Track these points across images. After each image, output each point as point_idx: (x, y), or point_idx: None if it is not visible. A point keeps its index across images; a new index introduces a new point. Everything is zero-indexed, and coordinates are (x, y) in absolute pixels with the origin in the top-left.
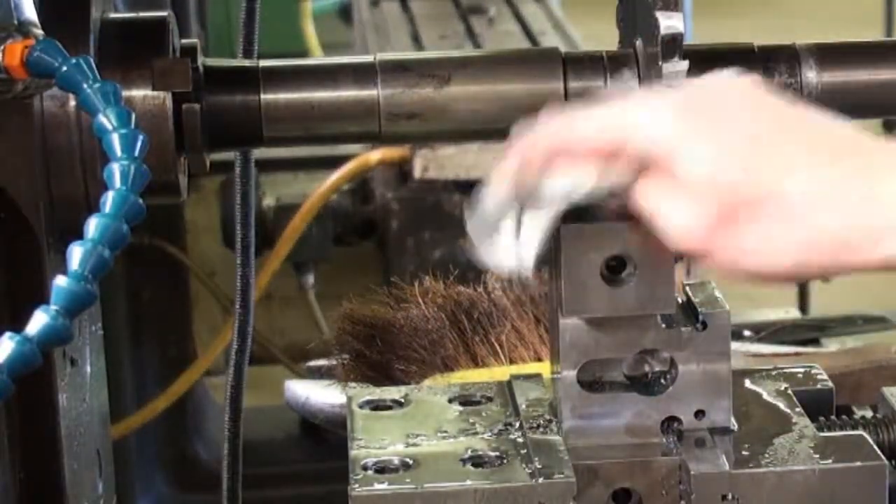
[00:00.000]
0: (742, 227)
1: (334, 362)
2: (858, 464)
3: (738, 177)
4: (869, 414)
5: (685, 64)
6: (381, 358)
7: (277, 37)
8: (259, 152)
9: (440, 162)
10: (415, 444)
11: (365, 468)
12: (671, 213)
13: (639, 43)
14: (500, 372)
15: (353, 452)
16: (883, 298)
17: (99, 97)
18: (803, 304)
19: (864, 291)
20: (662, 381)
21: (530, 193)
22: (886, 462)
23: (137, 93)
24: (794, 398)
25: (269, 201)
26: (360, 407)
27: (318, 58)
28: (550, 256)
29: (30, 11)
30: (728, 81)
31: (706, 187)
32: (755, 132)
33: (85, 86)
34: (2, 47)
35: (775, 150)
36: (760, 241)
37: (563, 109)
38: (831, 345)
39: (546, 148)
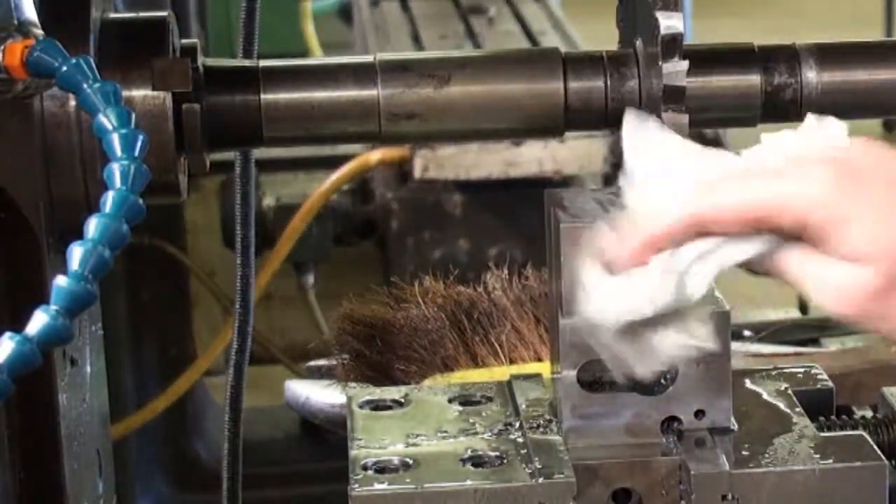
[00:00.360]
0: None
1: (334, 362)
2: (858, 464)
3: None
4: (869, 414)
5: (685, 64)
6: (381, 358)
7: (277, 37)
8: (259, 152)
9: (440, 162)
10: (415, 444)
11: (365, 468)
12: (829, 279)
13: (639, 43)
14: (500, 372)
15: (353, 452)
16: None
17: (99, 97)
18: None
19: None
20: (662, 381)
21: (678, 265)
22: (886, 462)
23: (137, 93)
24: (794, 398)
25: (269, 201)
26: (360, 407)
27: (318, 58)
28: (552, 256)
29: (30, 11)
30: (863, 146)
31: (868, 254)
32: None
33: (85, 86)
34: (2, 47)
35: None
36: None
37: (710, 186)
38: (831, 345)
39: (695, 221)
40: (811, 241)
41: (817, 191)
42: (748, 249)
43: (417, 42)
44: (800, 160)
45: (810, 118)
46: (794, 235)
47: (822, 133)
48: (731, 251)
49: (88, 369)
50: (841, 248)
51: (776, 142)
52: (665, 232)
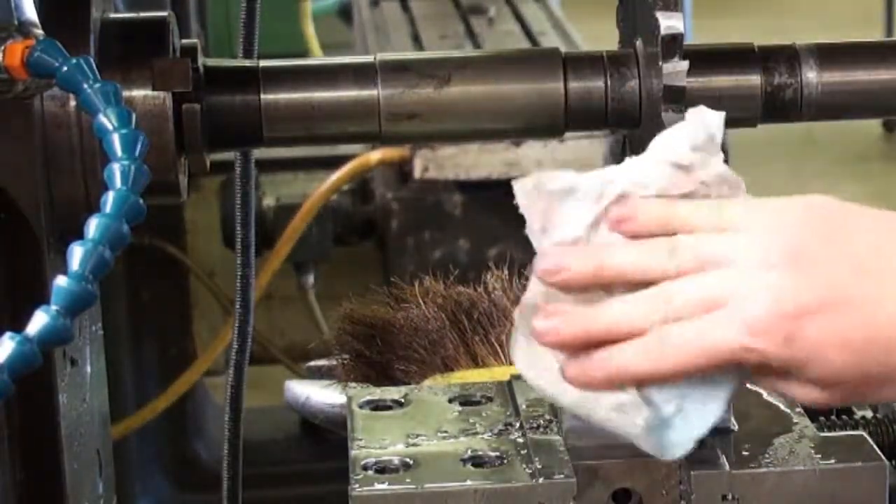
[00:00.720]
0: (873, 393)
1: (334, 362)
2: (858, 464)
3: (861, 363)
4: (869, 414)
5: (685, 64)
6: (381, 358)
7: (277, 37)
8: (259, 152)
9: (440, 162)
10: (415, 444)
11: (365, 468)
12: (802, 395)
13: (639, 43)
14: (500, 372)
15: (353, 452)
16: None
17: (99, 97)
18: None
19: None
20: None
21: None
22: (886, 462)
23: (137, 93)
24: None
25: (269, 201)
26: (361, 407)
27: (318, 58)
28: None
29: (30, 11)
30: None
31: (833, 382)
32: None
33: (85, 86)
34: (2, 47)
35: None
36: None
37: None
38: None
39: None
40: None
41: (763, 346)
42: (723, 395)
43: (417, 42)
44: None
45: (691, 112)
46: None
47: (702, 127)
48: (712, 406)
49: (88, 369)
50: (803, 383)
51: (660, 145)
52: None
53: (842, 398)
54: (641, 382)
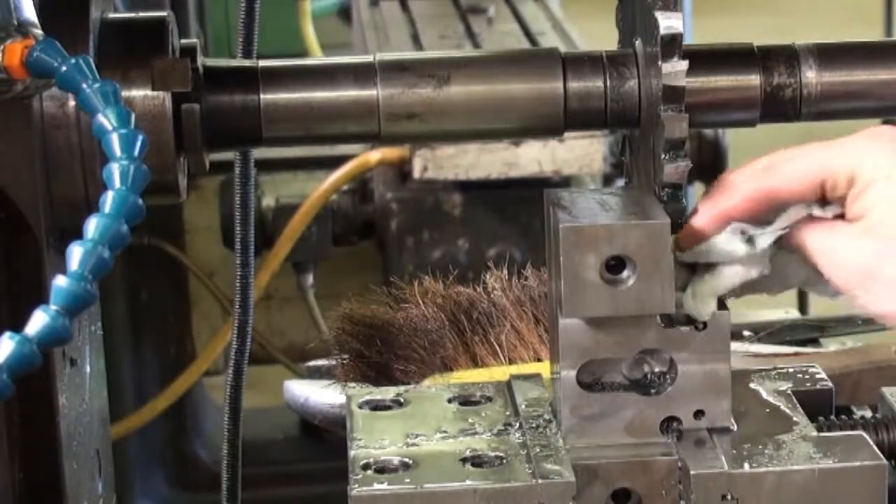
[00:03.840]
0: None
1: (334, 362)
2: (858, 464)
3: None
4: (869, 414)
5: (685, 64)
6: (380, 358)
7: (277, 37)
8: (259, 152)
9: (439, 162)
10: (414, 444)
11: (365, 468)
12: (844, 245)
13: (638, 43)
14: (499, 372)
15: (352, 452)
16: None
17: (98, 97)
18: (803, 305)
19: None
20: (662, 381)
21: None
22: (886, 462)
23: (137, 93)
24: (794, 398)
25: (268, 201)
26: (360, 407)
27: (317, 58)
28: (552, 256)
29: (29, 11)
30: None
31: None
32: None
33: (84, 86)
34: (1, 47)
35: None
36: None
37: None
38: (831, 345)
39: (766, 193)
40: (841, 199)
41: (861, 148)
42: (790, 216)
43: (417, 42)
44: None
45: None
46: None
47: None
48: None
49: (88, 369)
50: (859, 207)
51: None
52: (736, 205)
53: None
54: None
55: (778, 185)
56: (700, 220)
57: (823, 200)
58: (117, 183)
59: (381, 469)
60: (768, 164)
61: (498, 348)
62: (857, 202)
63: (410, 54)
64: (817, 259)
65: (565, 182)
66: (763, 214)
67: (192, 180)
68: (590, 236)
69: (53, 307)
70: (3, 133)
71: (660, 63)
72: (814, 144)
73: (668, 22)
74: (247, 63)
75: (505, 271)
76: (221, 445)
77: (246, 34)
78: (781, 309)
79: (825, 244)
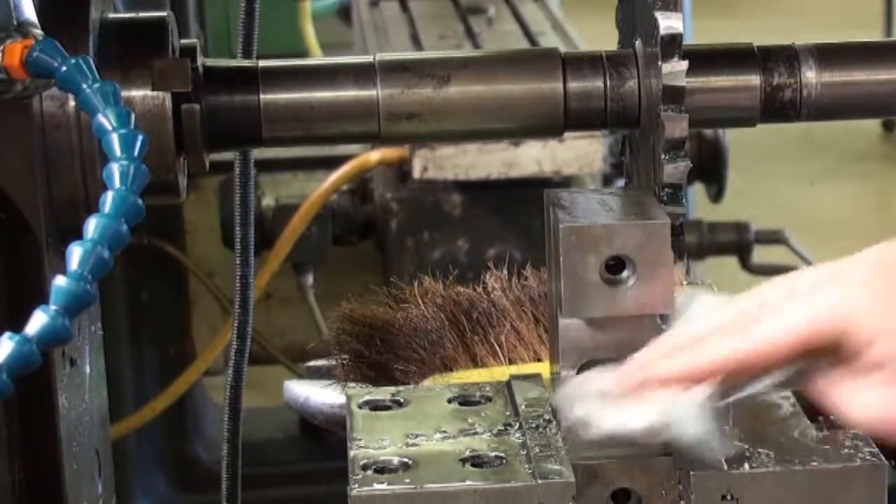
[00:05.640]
0: None
1: (333, 363)
2: (858, 464)
3: None
4: None
5: (684, 64)
6: (380, 358)
7: (277, 37)
8: (258, 152)
9: (439, 162)
10: (414, 445)
11: (364, 468)
12: (860, 399)
13: (638, 43)
14: (499, 372)
15: (352, 452)
16: None
17: (98, 97)
18: None
19: None
20: None
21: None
22: (886, 462)
23: (137, 93)
24: (794, 398)
25: (268, 201)
26: (360, 407)
27: (317, 58)
28: (552, 256)
29: (29, 12)
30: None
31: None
32: None
33: (84, 86)
34: (1, 47)
35: None
36: None
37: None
38: None
39: (745, 359)
40: (846, 354)
41: (855, 298)
42: (776, 377)
43: (417, 42)
44: (834, 269)
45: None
46: (825, 352)
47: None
48: (761, 383)
49: (88, 369)
50: (874, 364)
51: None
52: (708, 369)
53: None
54: (727, 371)
55: (756, 353)
56: (654, 370)
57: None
58: (117, 183)
59: (381, 469)
60: (738, 319)
61: (498, 348)
62: (867, 355)
63: (410, 54)
64: (846, 414)
65: (565, 182)
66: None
67: (192, 180)
68: (590, 236)
69: (53, 307)
70: (3, 133)
71: (660, 63)
72: (790, 287)
73: (668, 22)
74: (247, 63)
75: (505, 271)
76: (221, 445)
77: (246, 34)
78: None
79: (854, 400)
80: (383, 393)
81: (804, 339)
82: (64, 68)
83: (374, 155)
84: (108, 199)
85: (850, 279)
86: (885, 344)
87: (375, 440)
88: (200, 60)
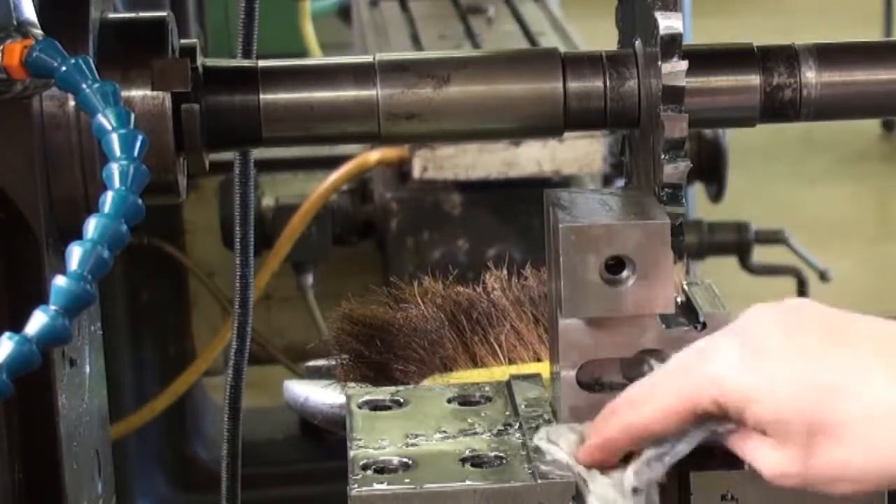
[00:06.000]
0: (823, 451)
1: (333, 362)
2: None
3: (810, 404)
4: None
5: (684, 64)
6: (380, 358)
7: (277, 37)
8: (258, 152)
9: (439, 162)
10: (414, 445)
11: (364, 468)
12: (759, 459)
13: (638, 43)
14: (499, 372)
15: (352, 452)
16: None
17: (98, 97)
18: None
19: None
20: None
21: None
22: None
23: (137, 93)
24: None
25: (268, 201)
26: (360, 407)
27: (317, 58)
28: (552, 256)
29: (29, 12)
30: (756, 312)
31: (779, 428)
32: (811, 355)
33: (84, 86)
34: (1, 47)
35: (833, 372)
36: (840, 468)
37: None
38: None
39: (629, 435)
40: (736, 419)
41: (721, 370)
42: (692, 440)
43: (416, 42)
44: (711, 340)
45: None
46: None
47: None
48: (678, 448)
49: (88, 369)
50: (756, 427)
51: None
52: (606, 440)
53: (800, 464)
54: (636, 434)
55: (647, 423)
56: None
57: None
58: (117, 183)
59: (381, 469)
60: (629, 400)
61: (497, 348)
62: (748, 420)
63: (410, 54)
64: (759, 470)
65: (565, 182)
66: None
67: (191, 180)
68: (590, 236)
69: (53, 307)
70: (3, 133)
71: (660, 63)
72: (668, 369)
73: (667, 22)
74: (247, 63)
75: (504, 271)
76: (221, 445)
77: (246, 34)
78: None
79: (759, 458)
80: (383, 393)
81: (686, 409)
82: (64, 68)
83: (374, 155)
84: (108, 199)
85: (720, 349)
86: (757, 409)
87: (375, 440)
88: (200, 60)
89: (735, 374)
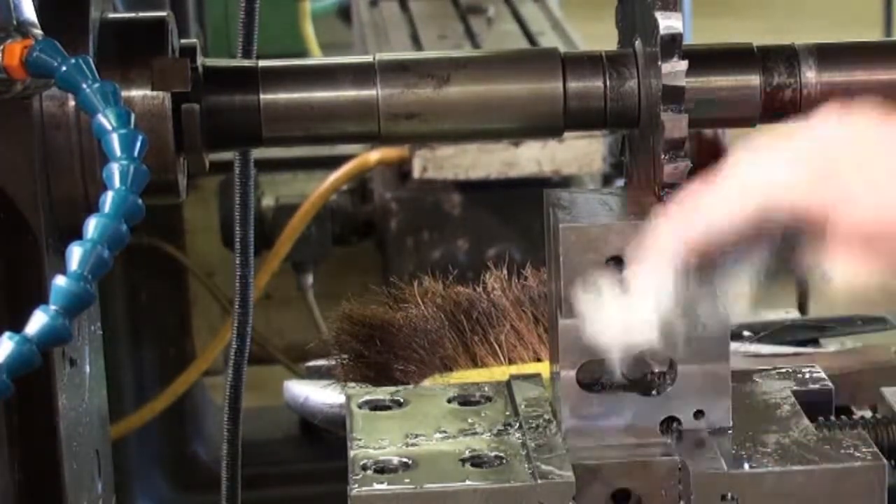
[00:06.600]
0: None
1: (333, 362)
2: (858, 464)
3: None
4: (869, 414)
5: (684, 64)
6: (380, 358)
7: (277, 37)
8: (258, 152)
9: (439, 162)
10: (414, 444)
11: (364, 468)
12: (841, 273)
13: (638, 43)
14: (499, 372)
15: (352, 452)
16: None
17: (98, 97)
18: (803, 305)
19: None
20: (662, 381)
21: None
22: (886, 462)
23: (137, 93)
24: (794, 398)
25: (268, 201)
26: (360, 407)
27: (317, 58)
28: (552, 256)
29: (29, 11)
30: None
31: (860, 243)
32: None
33: (84, 86)
34: (1, 47)
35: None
36: None
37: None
38: (831, 345)
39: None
40: (811, 228)
41: (797, 180)
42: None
43: (416, 42)
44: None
45: None
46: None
47: None
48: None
49: (88, 369)
50: (836, 237)
51: None
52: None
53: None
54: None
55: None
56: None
57: None
58: (117, 183)
59: (381, 469)
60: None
61: (498, 348)
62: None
63: (410, 54)
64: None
65: (565, 182)
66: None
67: (192, 180)
68: (590, 236)
69: (53, 307)
70: (3, 133)
71: (659, 63)
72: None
73: (667, 22)
74: (247, 63)
75: (504, 271)
76: (221, 445)
77: (246, 34)
78: (781, 309)
79: (833, 268)
80: (383, 393)
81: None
82: (64, 68)
83: (374, 155)
84: (107, 199)
85: (783, 160)
86: (857, 210)
87: (375, 440)
88: (200, 60)
89: (812, 183)
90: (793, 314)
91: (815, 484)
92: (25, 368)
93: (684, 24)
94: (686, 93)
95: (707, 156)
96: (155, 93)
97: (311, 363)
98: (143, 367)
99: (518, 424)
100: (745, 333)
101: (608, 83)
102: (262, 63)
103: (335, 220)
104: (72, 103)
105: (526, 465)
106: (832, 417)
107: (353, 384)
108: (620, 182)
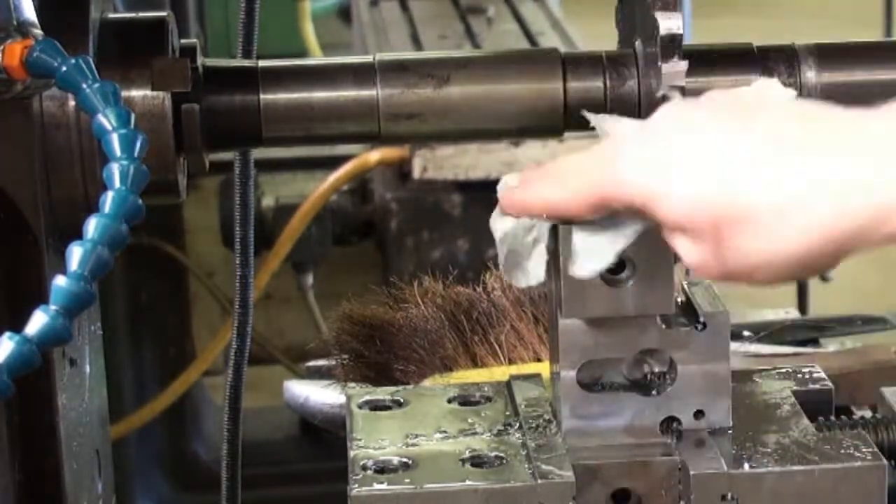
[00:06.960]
0: (734, 244)
1: (333, 362)
2: (858, 464)
3: (713, 198)
4: (869, 414)
5: (684, 64)
6: (380, 358)
7: (277, 37)
8: (258, 152)
9: (439, 162)
10: (414, 445)
11: (364, 468)
12: (684, 254)
13: (638, 43)
14: (499, 372)
15: (352, 452)
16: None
17: (98, 97)
18: (802, 305)
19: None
20: (662, 381)
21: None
22: (886, 462)
23: (137, 93)
24: (794, 398)
25: (268, 201)
26: (360, 407)
27: (317, 58)
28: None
29: (29, 12)
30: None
31: (688, 224)
32: (716, 148)
33: (84, 86)
34: (1, 47)
35: (737, 162)
36: (752, 257)
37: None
38: (830, 345)
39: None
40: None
41: (623, 173)
42: (628, 233)
43: (416, 42)
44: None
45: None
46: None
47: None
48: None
49: (88, 369)
50: (668, 225)
51: None
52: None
53: (714, 256)
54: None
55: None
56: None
57: None
58: (117, 183)
59: (381, 469)
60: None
61: (498, 348)
62: (662, 219)
63: (410, 54)
64: (685, 263)
65: None
66: None
67: (192, 180)
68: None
69: (53, 307)
70: (3, 133)
71: (659, 63)
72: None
73: (667, 22)
74: (247, 63)
75: None
76: (221, 445)
77: (246, 34)
78: (781, 309)
79: (686, 252)
80: (383, 393)
81: (602, 207)
82: (64, 68)
83: (374, 155)
84: (108, 199)
85: (623, 152)
86: (663, 209)
87: (375, 440)
88: (200, 60)
89: (636, 178)
90: (792, 314)
91: (815, 484)
92: (25, 368)
93: (684, 24)
94: (686, 93)
95: None
96: (155, 93)
97: (311, 363)
98: (143, 367)
99: (518, 424)
100: (745, 333)
101: (608, 83)
102: (262, 63)
103: (335, 221)
104: (72, 103)
105: (526, 466)
106: (832, 417)
107: (353, 384)
108: None
